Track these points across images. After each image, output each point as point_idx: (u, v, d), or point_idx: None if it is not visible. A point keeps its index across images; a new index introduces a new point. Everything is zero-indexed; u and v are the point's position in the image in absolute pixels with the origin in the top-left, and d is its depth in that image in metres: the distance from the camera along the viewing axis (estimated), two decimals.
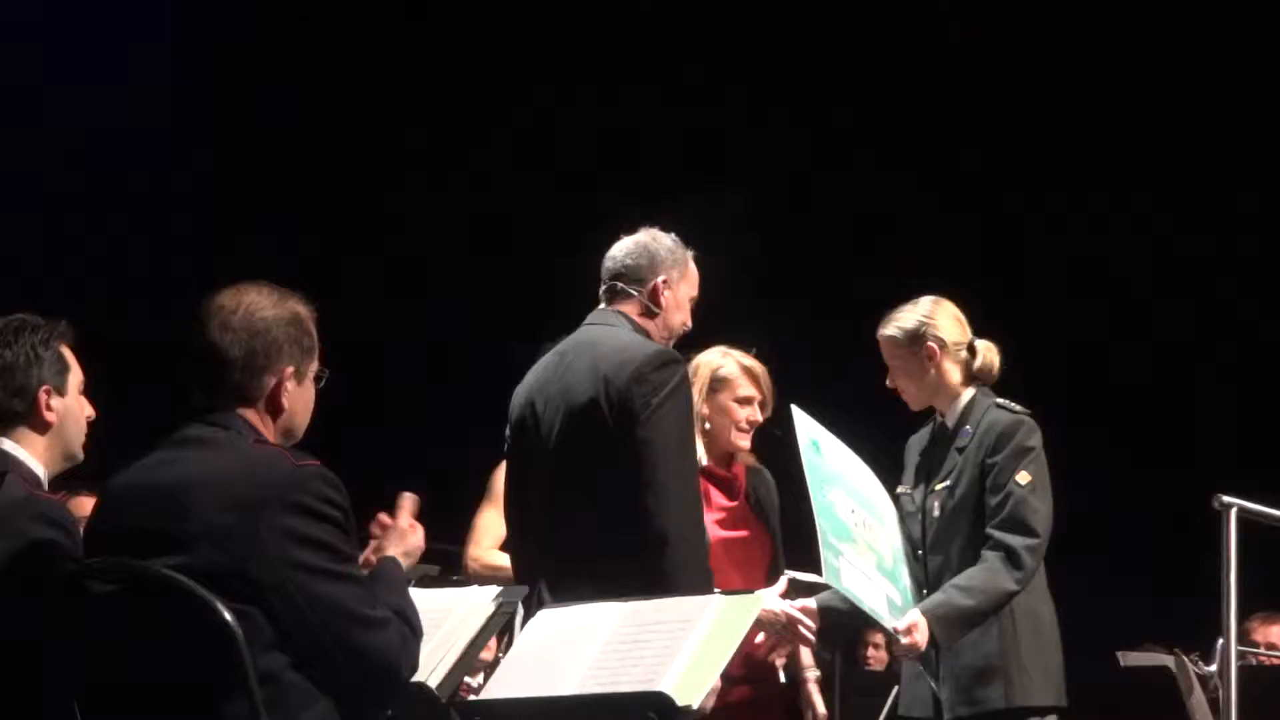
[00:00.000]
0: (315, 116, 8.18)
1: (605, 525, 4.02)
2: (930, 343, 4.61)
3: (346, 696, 3.02)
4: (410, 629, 3.13)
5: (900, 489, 4.73)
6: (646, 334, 4.25)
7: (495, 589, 3.53)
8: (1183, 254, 8.01)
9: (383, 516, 3.38)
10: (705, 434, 4.80)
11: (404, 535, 3.35)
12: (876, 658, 7.46)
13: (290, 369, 3.17)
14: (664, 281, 4.26)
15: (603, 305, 4.35)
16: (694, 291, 4.31)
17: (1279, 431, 7.62)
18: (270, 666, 2.92)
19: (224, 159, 8.04)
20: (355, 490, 3.10)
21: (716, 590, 3.91)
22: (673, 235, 4.36)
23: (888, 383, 4.68)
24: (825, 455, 4.43)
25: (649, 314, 4.25)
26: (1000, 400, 4.63)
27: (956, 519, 4.53)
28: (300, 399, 3.21)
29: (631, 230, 4.39)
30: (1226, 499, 4.17)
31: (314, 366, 3.23)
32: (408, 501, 3.40)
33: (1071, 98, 8.09)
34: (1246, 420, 7.74)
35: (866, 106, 8.21)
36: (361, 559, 3.20)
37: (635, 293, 4.27)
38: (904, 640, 4.34)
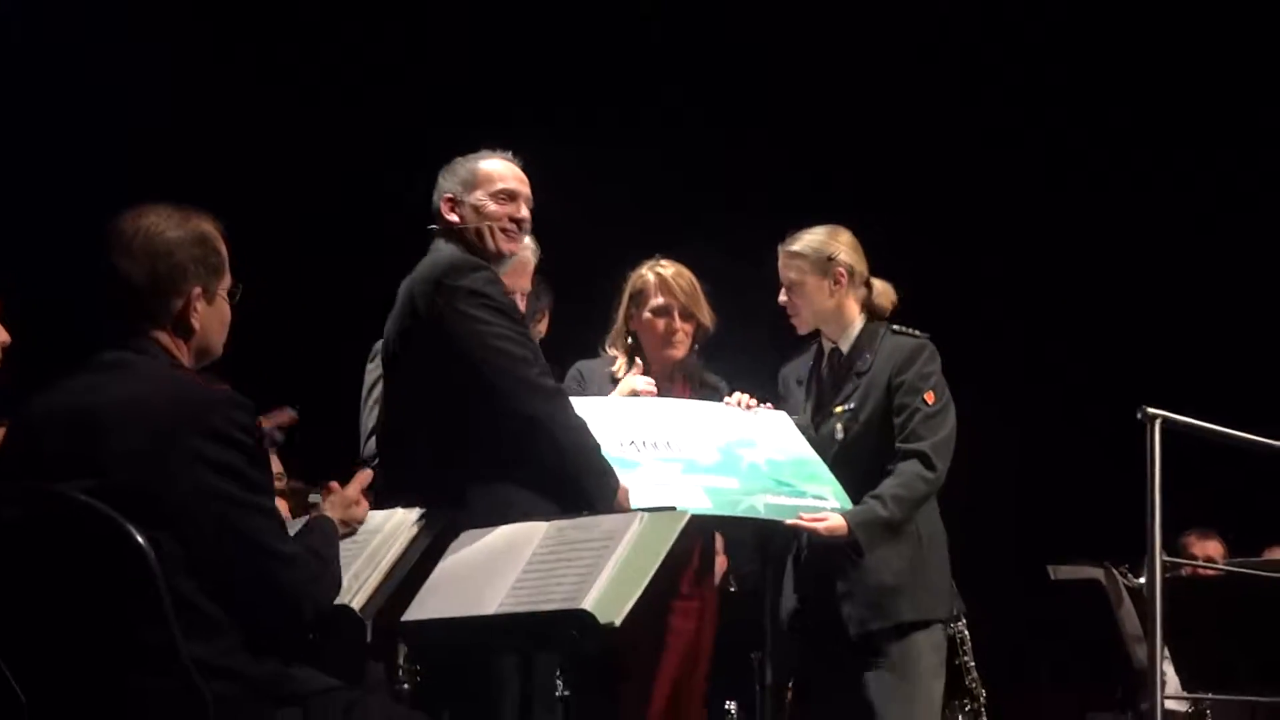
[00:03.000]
0: None
1: (462, 439, 4.00)
2: (840, 268, 4.69)
3: (256, 628, 3.00)
4: (326, 570, 3.12)
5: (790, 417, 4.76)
6: (468, 251, 4.18)
7: (419, 510, 3.53)
8: (1101, 161, 8.01)
9: (333, 484, 3.44)
10: (634, 349, 4.82)
11: (348, 504, 3.40)
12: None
13: (198, 289, 3.13)
14: (449, 199, 4.23)
15: None
16: (496, 186, 4.22)
17: (1209, 346, 7.70)
18: (183, 593, 2.90)
19: None
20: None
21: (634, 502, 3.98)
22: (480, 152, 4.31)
23: (781, 299, 4.72)
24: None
25: (452, 234, 4.22)
26: (896, 326, 4.73)
27: (863, 439, 4.63)
28: (212, 318, 3.17)
29: None
30: (1151, 410, 4.19)
31: (225, 284, 3.19)
32: (362, 475, 3.46)
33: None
34: (1179, 335, 7.78)
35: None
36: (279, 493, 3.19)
37: (436, 226, 4.26)
38: (821, 527, 4.41)
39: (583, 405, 4.51)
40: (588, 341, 5.05)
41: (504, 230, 4.20)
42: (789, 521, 4.44)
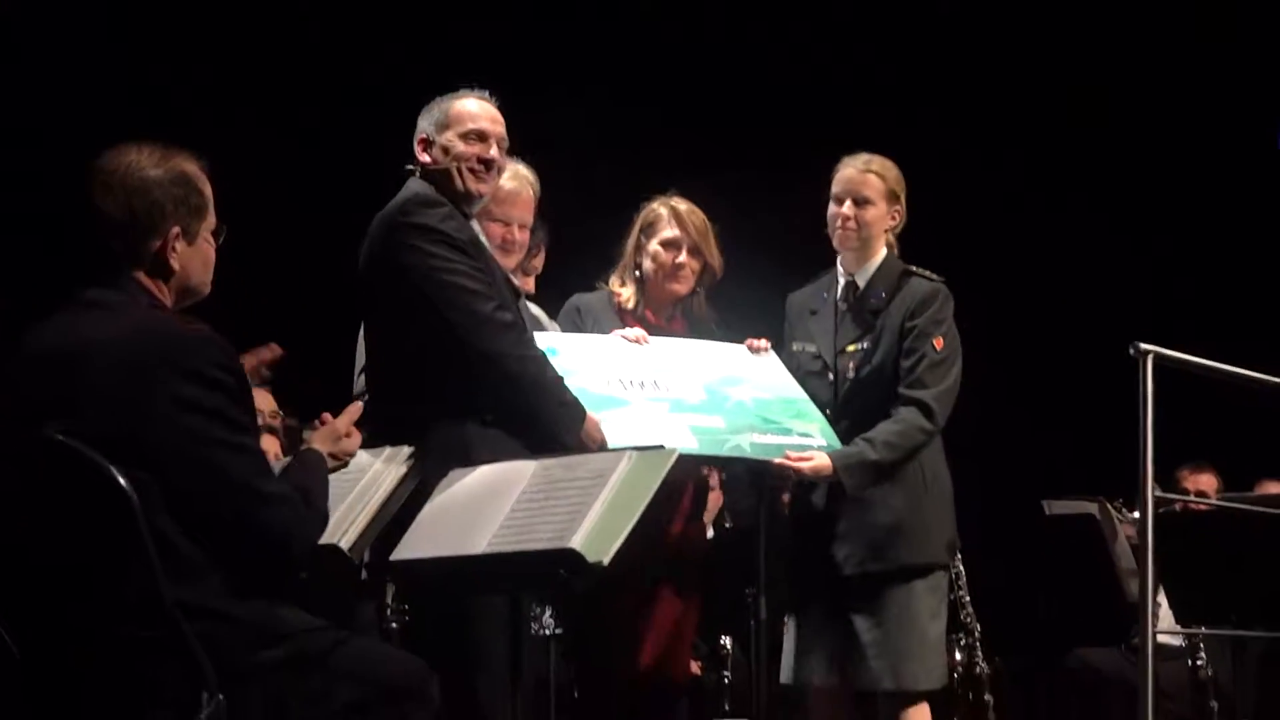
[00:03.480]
0: None
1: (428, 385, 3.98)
2: (900, 207, 4.72)
3: (240, 569, 2.97)
4: (311, 508, 3.10)
5: (796, 345, 4.77)
6: (441, 191, 4.17)
7: (408, 449, 3.53)
8: (1093, 94, 7.95)
9: (325, 415, 3.41)
10: (638, 280, 4.80)
11: (338, 435, 3.37)
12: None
13: (176, 229, 3.10)
14: (422, 140, 4.22)
15: None
16: (466, 126, 4.20)
17: (1203, 281, 7.68)
18: (165, 534, 2.88)
19: None
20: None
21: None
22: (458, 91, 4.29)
23: (844, 209, 4.68)
24: (565, 355, 4.38)
25: (425, 174, 4.20)
26: (913, 267, 4.71)
27: (874, 382, 4.61)
28: (193, 259, 3.13)
29: None
30: (1144, 346, 4.17)
31: (208, 224, 3.16)
32: (353, 408, 3.43)
33: None
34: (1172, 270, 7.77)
35: None
36: (264, 425, 3.17)
37: (411, 165, 4.24)
38: (806, 467, 4.42)
39: (575, 342, 4.51)
40: (587, 274, 5.02)
41: (472, 170, 4.18)
42: (776, 461, 4.43)
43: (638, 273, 4.85)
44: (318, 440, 3.34)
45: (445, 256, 3.97)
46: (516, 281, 4.41)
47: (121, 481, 2.80)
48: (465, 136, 4.19)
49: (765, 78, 8.00)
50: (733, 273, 4.91)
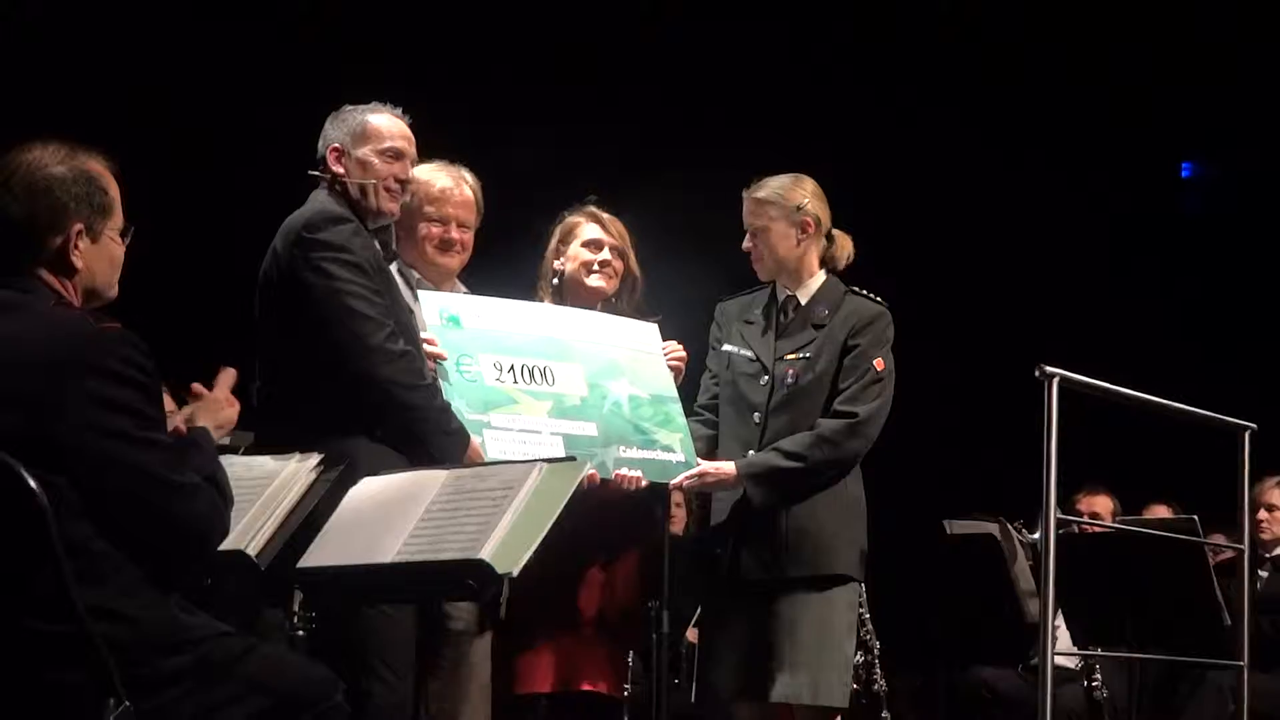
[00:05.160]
0: None
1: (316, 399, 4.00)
2: (807, 217, 4.69)
3: (156, 565, 2.96)
4: (221, 495, 3.08)
5: (729, 347, 4.77)
6: (349, 204, 4.19)
7: (317, 456, 3.50)
8: (1003, 118, 8.05)
9: (197, 386, 3.38)
10: (555, 289, 4.79)
11: (219, 406, 3.34)
12: (678, 517, 6.53)
13: (79, 227, 3.06)
14: (335, 150, 4.22)
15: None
16: (384, 144, 4.22)
17: (1103, 305, 7.77)
18: (77, 536, 2.84)
19: None
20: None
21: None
22: (371, 104, 4.29)
23: (746, 245, 4.72)
24: (468, 326, 4.43)
25: (334, 186, 4.21)
26: (855, 288, 4.74)
27: (812, 391, 4.63)
28: (98, 258, 3.10)
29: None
30: (1049, 369, 4.21)
31: (113, 223, 3.12)
32: (226, 375, 3.40)
33: None
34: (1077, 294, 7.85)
35: None
36: (171, 427, 3.13)
37: (319, 173, 4.24)
38: (710, 480, 4.48)
39: (479, 309, 4.49)
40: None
41: (388, 189, 4.20)
42: (673, 483, 4.51)
43: (555, 280, 4.81)
44: (201, 415, 3.30)
45: (346, 278, 4.00)
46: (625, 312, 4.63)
47: (29, 481, 2.76)
48: (383, 154, 4.21)
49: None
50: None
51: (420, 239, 4.56)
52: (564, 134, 7.51)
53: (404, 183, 4.24)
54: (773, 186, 4.71)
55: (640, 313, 4.83)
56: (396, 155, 4.22)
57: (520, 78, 7.78)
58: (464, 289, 4.71)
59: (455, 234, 4.58)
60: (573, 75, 7.85)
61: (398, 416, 4.01)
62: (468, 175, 4.63)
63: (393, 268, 4.50)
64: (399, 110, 4.29)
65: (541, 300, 4.81)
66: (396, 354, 4.02)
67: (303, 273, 4.01)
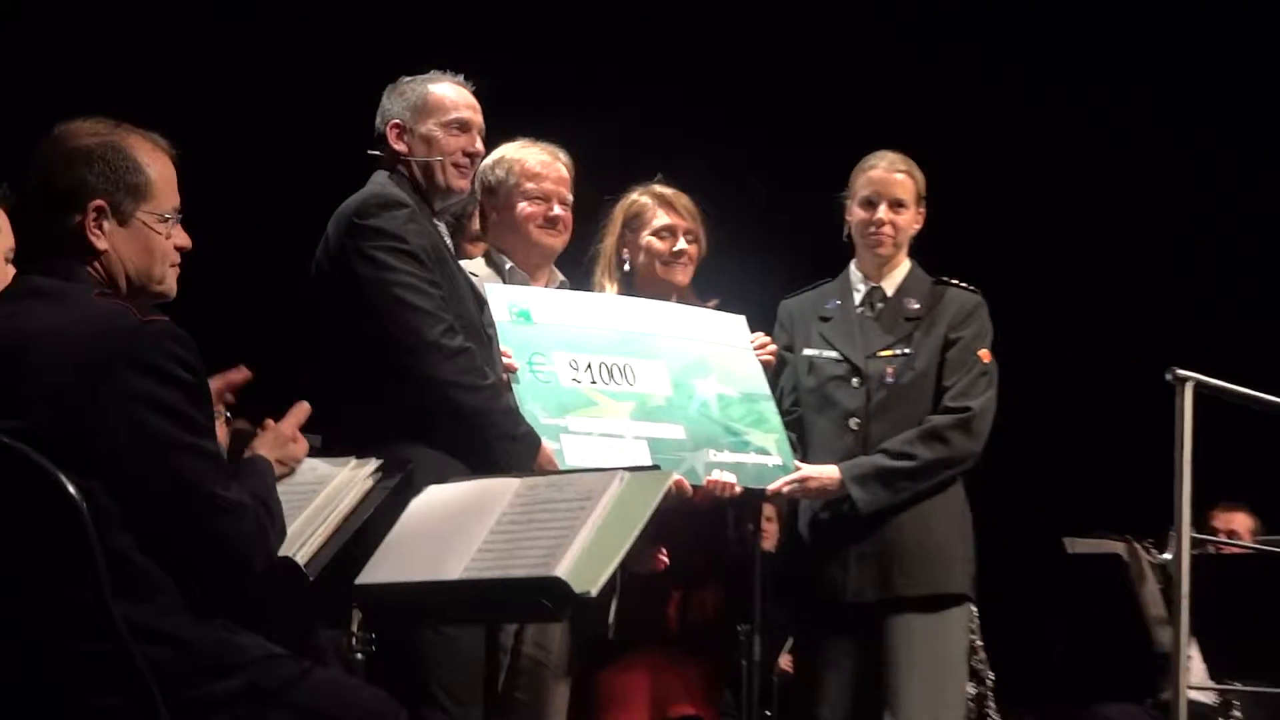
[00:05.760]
0: None
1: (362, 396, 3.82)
2: (923, 209, 4.64)
3: (195, 585, 2.81)
4: (271, 521, 2.94)
5: (810, 351, 4.61)
6: (413, 185, 4.01)
7: (375, 461, 3.32)
8: (1133, 125, 7.81)
9: (268, 421, 3.25)
10: (629, 276, 4.62)
11: (284, 441, 3.21)
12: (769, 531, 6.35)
13: (99, 204, 2.88)
14: (396, 126, 4.04)
15: None
16: (449, 116, 4.04)
17: (1243, 309, 7.53)
18: (116, 548, 2.70)
19: None
20: None
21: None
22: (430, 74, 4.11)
23: (880, 214, 4.58)
24: (539, 321, 4.24)
25: (397, 165, 4.02)
26: (945, 278, 4.64)
27: (914, 391, 4.49)
28: (127, 242, 2.92)
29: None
30: (1182, 372, 4.10)
31: (150, 207, 2.93)
32: (299, 410, 3.27)
33: None
34: (1209, 296, 7.63)
35: None
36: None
37: (380, 152, 4.06)
38: (812, 486, 4.32)
39: (552, 303, 4.32)
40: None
41: (456, 165, 4.03)
42: (770, 489, 4.33)
43: (625, 268, 4.63)
44: (263, 446, 3.17)
45: (396, 266, 3.81)
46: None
47: (70, 490, 2.63)
48: (448, 126, 4.02)
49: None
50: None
51: (521, 219, 4.39)
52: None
53: (473, 156, 4.06)
54: (909, 162, 4.64)
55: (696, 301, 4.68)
56: (463, 127, 4.03)
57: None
58: (561, 277, 4.55)
59: (559, 210, 4.40)
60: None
61: (457, 420, 3.77)
62: (561, 151, 4.47)
63: (479, 259, 4.38)
64: (460, 77, 4.11)
65: (610, 284, 4.65)
66: (454, 350, 3.80)
67: (353, 262, 3.82)
